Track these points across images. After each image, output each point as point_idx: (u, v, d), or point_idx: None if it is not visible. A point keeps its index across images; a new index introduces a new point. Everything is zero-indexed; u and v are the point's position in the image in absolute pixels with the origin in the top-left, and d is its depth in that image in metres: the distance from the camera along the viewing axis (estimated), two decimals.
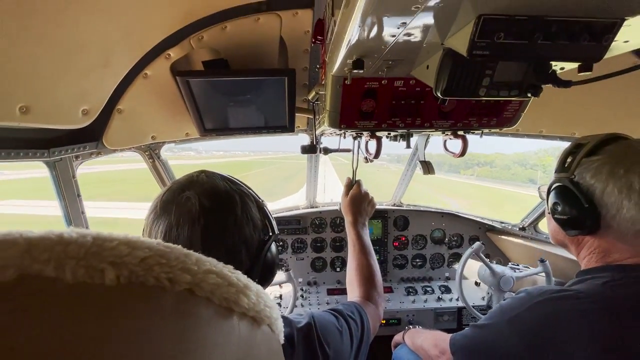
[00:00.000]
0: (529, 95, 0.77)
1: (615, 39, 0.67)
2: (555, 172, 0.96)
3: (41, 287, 0.21)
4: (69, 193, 1.30)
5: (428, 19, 0.60)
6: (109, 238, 0.25)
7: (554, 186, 0.95)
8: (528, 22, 0.57)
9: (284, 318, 0.80)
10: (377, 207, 2.59)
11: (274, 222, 0.77)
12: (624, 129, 0.91)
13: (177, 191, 0.65)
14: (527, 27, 0.58)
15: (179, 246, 0.30)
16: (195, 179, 0.68)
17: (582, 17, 0.58)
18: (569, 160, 0.93)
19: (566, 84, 0.73)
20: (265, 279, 0.74)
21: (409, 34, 0.67)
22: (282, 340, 0.39)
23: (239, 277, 0.33)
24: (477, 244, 1.89)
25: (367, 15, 0.59)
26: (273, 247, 0.74)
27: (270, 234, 0.73)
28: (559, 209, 0.94)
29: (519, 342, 0.86)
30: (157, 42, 1.13)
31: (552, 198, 0.96)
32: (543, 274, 1.87)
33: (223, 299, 0.30)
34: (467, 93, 0.76)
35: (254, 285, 0.34)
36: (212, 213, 0.64)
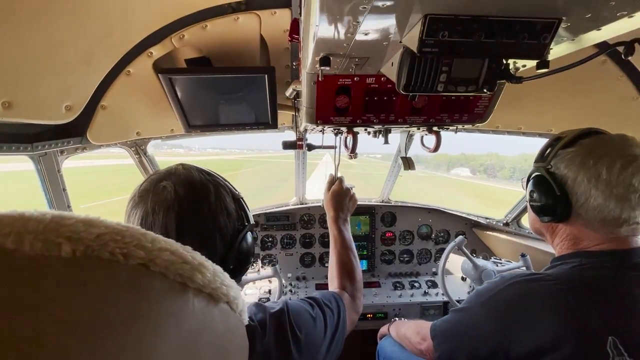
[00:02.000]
0: (485, 90, 0.81)
1: (566, 36, 0.71)
2: (535, 162, 1.02)
3: (1, 256, 0.24)
4: (54, 187, 1.33)
5: (380, 18, 0.64)
6: (68, 216, 0.28)
7: (532, 175, 1.01)
8: (471, 21, 0.62)
9: (259, 305, 0.84)
10: (365, 203, 2.66)
11: (249, 213, 0.80)
12: (596, 125, 0.95)
13: (154, 181, 0.69)
14: (470, 26, 0.62)
15: (138, 227, 0.32)
16: (173, 171, 0.72)
17: (521, 17, 0.62)
18: (547, 151, 0.98)
19: (518, 79, 0.77)
20: (240, 267, 0.77)
21: (366, 33, 0.71)
22: (245, 319, 0.41)
23: (195, 256, 0.35)
24: (459, 237, 1.94)
25: (322, 14, 0.63)
26: (248, 236, 0.77)
27: (246, 223, 0.77)
28: (534, 196, 0.99)
29: (491, 322, 0.91)
30: (139, 40, 1.16)
31: (529, 186, 1.02)
32: (524, 268, 1.92)
33: (177, 274, 0.32)
34: (426, 89, 0.80)
35: (211, 265, 0.36)
36: (186, 201, 0.67)
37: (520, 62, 0.92)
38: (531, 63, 0.87)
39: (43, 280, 0.24)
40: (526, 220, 2.33)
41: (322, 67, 0.85)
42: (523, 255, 1.91)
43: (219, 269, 0.37)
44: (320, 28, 0.68)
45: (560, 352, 0.78)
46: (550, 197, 0.93)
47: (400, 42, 0.75)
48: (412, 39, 0.68)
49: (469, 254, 1.95)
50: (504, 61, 0.77)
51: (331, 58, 0.84)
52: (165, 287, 0.31)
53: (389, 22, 0.66)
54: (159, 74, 1.25)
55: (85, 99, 1.17)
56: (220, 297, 0.36)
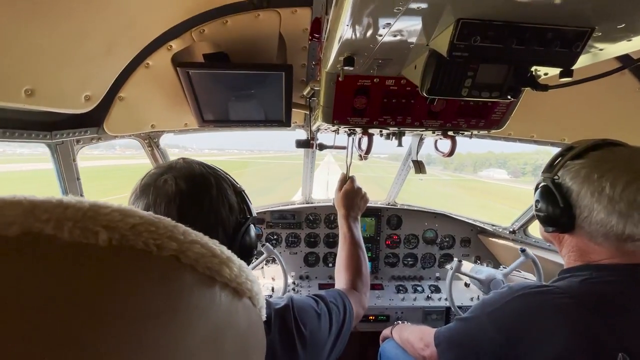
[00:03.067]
0: (509, 97, 0.81)
1: (593, 46, 0.71)
2: (542, 172, 1.02)
3: (41, 242, 0.24)
4: (69, 176, 1.34)
5: (411, 21, 0.64)
6: (104, 205, 0.28)
7: (539, 185, 1.01)
8: (503, 28, 0.62)
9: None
10: (371, 205, 2.65)
11: (251, 206, 0.80)
12: (610, 135, 0.95)
13: (156, 175, 0.69)
14: (502, 32, 0.62)
15: (169, 218, 0.32)
16: (174, 165, 0.72)
17: (554, 24, 0.61)
18: (556, 161, 0.97)
19: (544, 87, 0.77)
20: (243, 260, 0.77)
21: (394, 35, 0.71)
22: (264, 315, 0.41)
23: (223, 250, 0.35)
24: (455, 262, 1.93)
25: (354, 15, 0.63)
26: (251, 229, 0.78)
27: (248, 216, 0.77)
28: (539, 206, 0.99)
29: (498, 333, 0.90)
30: (160, 33, 1.17)
31: (536, 195, 1.02)
32: (533, 276, 1.91)
33: (206, 267, 0.32)
34: (450, 93, 0.80)
35: (237, 260, 0.36)
36: (188, 193, 0.67)
37: (542, 70, 0.92)
38: (553, 71, 0.87)
39: (81, 267, 0.24)
40: (533, 229, 2.32)
41: (345, 67, 0.85)
42: (523, 250, 1.89)
43: (243, 264, 0.37)
44: (350, 28, 0.68)
45: None
46: (554, 208, 0.93)
47: (427, 45, 0.75)
48: (441, 42, 0.68)
49: (469, 274, 1.95)
50: (533, 69, 0.77)
51: (355, 58, 0.84)
52: (195, 280, 0.31)
53: (420, 24, 0.66)
54: (178, 68, 1.26)
55: (104, 90, 1.18)
56: (244, 292, 0.36)
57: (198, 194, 0.69)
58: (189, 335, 0.29)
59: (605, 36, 0.66)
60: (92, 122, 1.28)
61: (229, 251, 0.37)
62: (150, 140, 1.70)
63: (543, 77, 0.96)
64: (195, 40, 1.24)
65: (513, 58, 0.66)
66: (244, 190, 0.80)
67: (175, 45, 1.23)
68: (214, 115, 1.53)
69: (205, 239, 0.34)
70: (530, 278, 2.14)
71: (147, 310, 0.26)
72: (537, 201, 1.01)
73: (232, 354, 0.35)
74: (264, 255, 1.98)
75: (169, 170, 0.70)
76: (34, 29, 0.86)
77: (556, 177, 0.94)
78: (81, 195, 1.42)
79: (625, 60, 0.83)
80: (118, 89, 1.25)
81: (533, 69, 0.83)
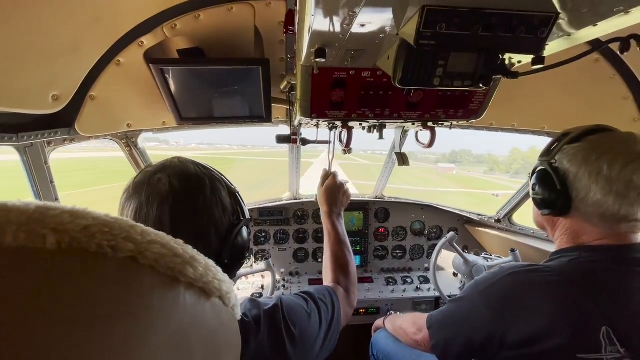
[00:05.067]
0: (481, 85, 0.80)
1: (561, 32, 0.71)
2: (540, 156, 1.03)
3: None
4: (41, 179, 1.30)
5: (377, 9, 0.63)
6: (53, 207, 0.27)
7: (536, 169, 1.02)
8: (469, 14, 0.61)
9: (253, 301, 0.83)
10: (359, 199, 2.66)
11: (245, 208, 0.79)
12: (589, 123, 0.96)
13: (149, 173, 0.68)
14: (468, 18, 0.61)
15: (127, 219, 0.31)
16: (169, 164, 0.71)
17: (519, 10, 0.61)
18: (554, 146, 0.99)
19: (514, 75, 0.77)
20: (234, 262, 0.76)
21: (362, 24, 0.70)
22: (238, 314, 0.40)
23: (186, 249, 0.34)
24: (451, 233, 1.95)
25: (318, 4, 0.61)
26: (244, 231, 0.77)
27: (242, 218, 0.76)
28: (536, 189, 1.01)
29: (488, 310, 0.92)
30: (129, 28, 1.13)
31: (533, 179, 1.04)
32: (513, 262, 1.95)
33: (168, 268, 0.31)
34: (422, 82, 0.79)
35: (203, 259, 0.35)
36: (181, 193, 0.66)
37: (515, 58, 0.92)
38: (526, 59, 0.87)
39: (26, 272, 0.23)
40: (517, 217, 2.36)
41: (317, 59, 0.83)
42: (513, 251, 1.94)
43: (211, 262, 0.36)
44: (315, 18, 0.67)
45: (555, 340, 0.80)
46: (551, 191, 0.95)
47: (397, 34, 0.74)
48: (409, 31, 0.67)
49: (460, 250, 1.97)
50: (501, 56, 0.76)
51: (327, 50, 0.83)
52: (155, 281, 0.30)
53: (386, 13, 0.65)
54: (150, 64, 1.22)
55: (73, 89, 1.13)
56: (212, 292, 0.35)
57: (192, 194, 0.68)
58: (150, 338, 0.28)
59: (571, 22, 0.66)
60: (63, 122, 1.23)
61: (194, 250, 0.36)
62: (128, 140, 1.66)
63: (517, 65, 0.96)
64: (167, 35, 1.21)
65: (480, 45, 0.65)
66: (238, 192, 0.79)
67: (147, 41, 1.19)
68: (193, 113, 1.50)
69: (167, 238, 0.33)
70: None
71: (103, 314, 0.25)
72: (534, 185, 1.02)
73: (200, 354, 0.33)
74: (261, 267, 1.96)
75: (163, 169, 0.69)
76: None
77: (553, 161, 0.96)
78: (56, 199, 1.38)
79: (595, 44, 0.83)
80: (88, 87, 1.21)
81: (507, 57, 0.82)
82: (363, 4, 0.60)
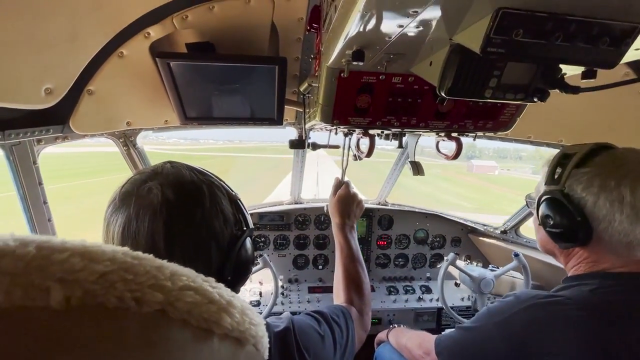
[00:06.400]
0: (535, 99, 0.73)
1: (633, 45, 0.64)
2: (545, 183, 0.95)
3: None
4: (28, 181, 1.17)
5: (439, 9, 0.55)
6: (60, 247, 0.20)
7: (544, 198, 0.94)
8: (548, 20, 0.53)
9: None
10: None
11: (248, 216, 0.70)
12: (609, 138, 0.91)
13: (138, 182, 0.59)
14: (546, 25, 0.53)
15: (151, 256, 0.25)
16: (160, 170, 0.62)
17: (603, 18, 0.54)
18: (558, 171, 0.92)
19: (574, 90, 0.70)
20: (238, 278, 0.67)
21: (417, 26, 0.61)
22: (266, 356, 0.35)
23: (222, 292, 0.29)
24: (451, 255, 1.92)
25: (373, 2, 0.53)
26: (248, 243, 0.68)
27: (245, 228, 0.67)
28: (551, 221, 0.92)
29: (505, 343, 0.88)
30: (135, 18, 1.02)
31: (543, 210, 0.94)
32: (521, 275, 1.91)
33: (202, 319, 0.26)
34: (472, 94, 0.71)
35: (239, 301, 0.30)
36: (177, 205, 0.57)
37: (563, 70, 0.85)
38: (574, 71, 0.81)
39: (22, 343, 0.18)
40: (525, 230, 2.33)
41: (354, 62, 0.75)
42: (516, 255, 1.90)
43: (246, 304, 0.32)
44: (365, 17, 0.58)
45: None
46: (570, 221, 0.87)
47: (451, 39, 0.66)
48: (472, 35, 0.59)
49: (463, 269, 1.93)
50: (561, 69, 0.69)
51: (365, 52, 0.74)
52: (187, 337, 0.25)
53: (449, 15, 0.57)
54: (157, 58, 1.12)
55: (69, 82, 1.01)
56: (248, 340, 0.31)
57: (188, 205, 0.59)
58: None
59: None
60: (56, 119, 1.11)
61: (230, 292, 0.30)
62: (126, 139, 1.53)
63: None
64: (177, 27, 1.10)
65: (555, 56, 0.58)
66: (239, 199, 0.70)
67: (154, 32, 1.08)
68: (198, 112, 1.39)
69: (199, 279, 0.28)
70: (518, 277, 2.15)
71: None
72: (546, 216, 0.93)
73: None
74: (259, 266, 1.88)
75: (154, 177, 0.59)
76: None
77: (564, 189, 0.89)
78: (44, 202, 1.25)
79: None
80: (86, 81, 1.09)
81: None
82: (428, 3, 0.52)
